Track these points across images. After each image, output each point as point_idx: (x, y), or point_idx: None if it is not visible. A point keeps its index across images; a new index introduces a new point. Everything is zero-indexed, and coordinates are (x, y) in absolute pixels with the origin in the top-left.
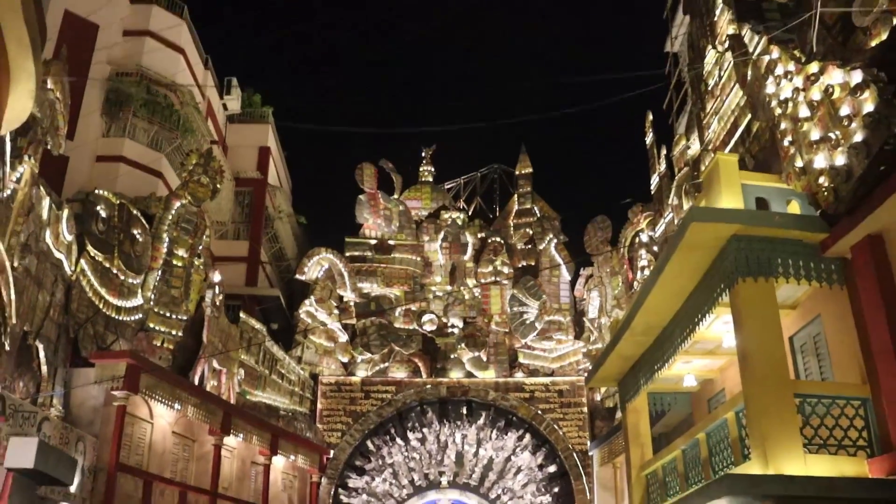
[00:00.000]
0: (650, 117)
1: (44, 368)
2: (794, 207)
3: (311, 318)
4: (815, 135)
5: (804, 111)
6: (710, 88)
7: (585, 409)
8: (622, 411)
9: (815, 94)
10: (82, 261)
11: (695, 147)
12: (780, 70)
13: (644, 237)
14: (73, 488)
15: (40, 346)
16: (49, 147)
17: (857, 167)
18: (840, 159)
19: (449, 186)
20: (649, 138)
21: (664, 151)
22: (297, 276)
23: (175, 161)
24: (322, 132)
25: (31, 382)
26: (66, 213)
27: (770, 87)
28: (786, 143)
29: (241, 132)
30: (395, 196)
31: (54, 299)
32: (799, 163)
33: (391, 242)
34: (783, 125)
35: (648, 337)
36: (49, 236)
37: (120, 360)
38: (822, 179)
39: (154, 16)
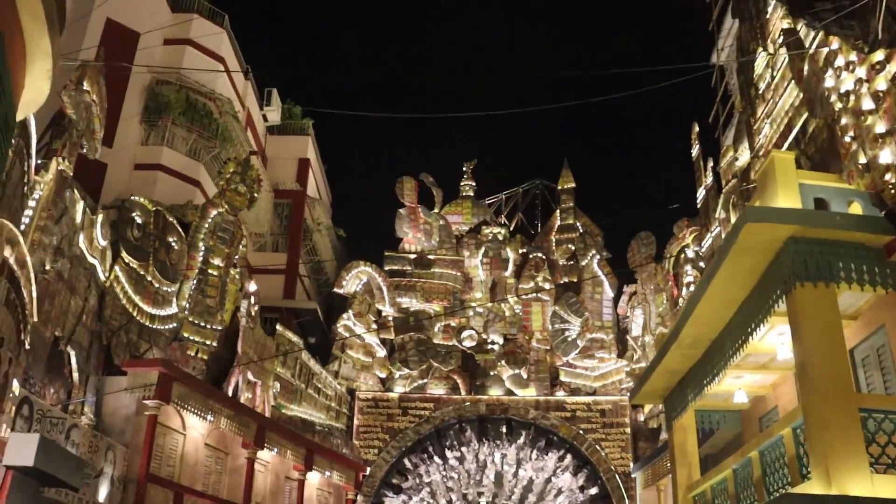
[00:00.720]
0: (696, 129)
1: (75, 375)
2: (856, 208)
3: (349, 332)
4: (881, 128)
5: (868, 103)
6: (760, 92)
7: (628, 430)
8: (668, 430)
9: (881, 83)
10: (116, 267)
11: (743, 158)
12: (840, 61)
13: (690, 253)
14: (101, 497)
15: (72, 353)
16: (85, 150)
17: None
18: None
19: (490, 202)
20: (695, 150)
21: (710, 164)
22: (336, 290)
23: (213, 170)
24: (362, 146)
25: (63, 389)
26: (100, 218)
27: (829, 81)
28: (847, 139)
29: (281, 144)
30: (436, 210)
31: (87, 305)
32: (862, 159)
33: (431, 257)
34: (844, 120)
35: (697, 350)
36: (83, 241)
37: (152, 369)
38: (888, 176)
39: (195, 25)
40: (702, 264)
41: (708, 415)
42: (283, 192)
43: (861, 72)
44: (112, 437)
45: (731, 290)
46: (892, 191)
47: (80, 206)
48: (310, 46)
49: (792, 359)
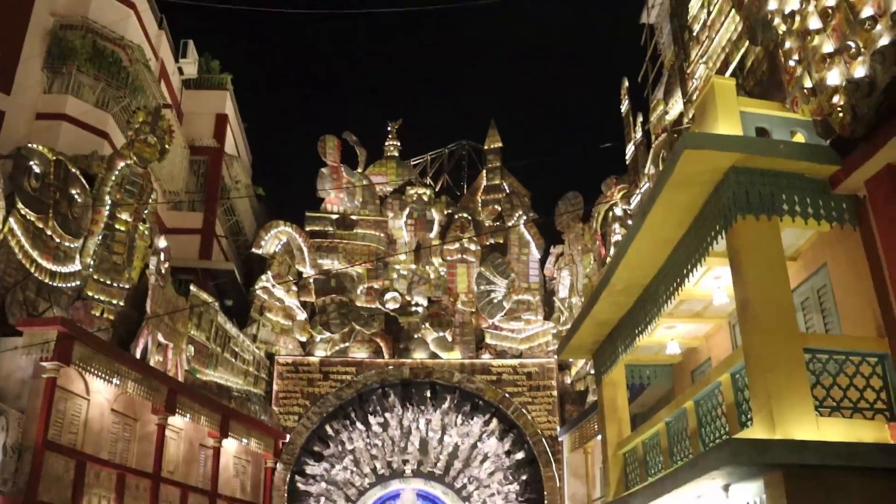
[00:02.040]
0: (626, 84)
1: None
2: (800, 139)
3: (268, 295)
4: (829, 47)
5: (815, 22)
6: (695, 34)
7: (555, 393)
8: (597, 385)
9: None
10: (11, 219)
11: (674, 111)
12: None
13: (618, 211)
14: None
15: None
16: None
17: (882, 76)
18: (860, 70)
19: (415, 163)
20: (624, 105)
21: (640, 120)
22: (254, 250)
23: (122, 122)
24: (284, 104)
25: None
26: None
27: (772, 3)
28: (791, 63)
29: (198, 98)
30: (359, 170)
31: None
32: (808, 83)
33: (354, 218)
34: (788, 44)
35: (629, 297)
36: None
37: (50, 328)
38: (836, 98)
39: None
40: (630, 222)
41: (638, 370)
42: (199, 148)
43: None
44: (7, 402)
45: (667, 228)
46: (840, 114)
47: None
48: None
49: (727, 306)
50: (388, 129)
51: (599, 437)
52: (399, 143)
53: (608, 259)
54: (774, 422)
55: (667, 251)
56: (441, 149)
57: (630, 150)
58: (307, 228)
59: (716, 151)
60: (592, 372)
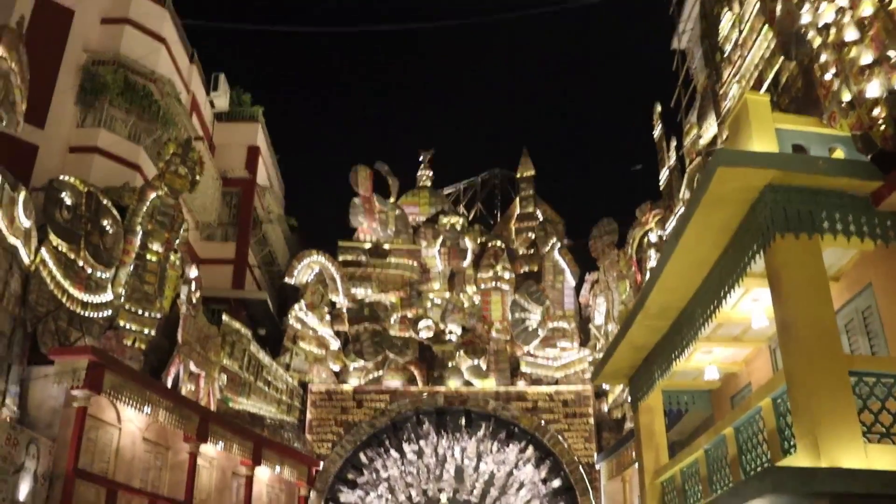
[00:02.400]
0: (658, 108)
1: None
2: (839, 154)
3: (301, 324)
4: (867, 58)
5: (851, 34)
6: (726, 55)
7: (592, 420)
8: (633, 411)
9: (867, 8)
10: (43, 250)
11: (707, 135)
12: None
13: (653, 237)
14: (21, 495)
15: None
16: (4, 124)
17: None
18: None
19: (448, 192)
20: (657, 131)
21: (674, 143)
22: (286, 280)
23: (154, 155)
24: (315, 135)
25: None
26: (22, 195)
27: (806, 17)
28: (827, 77)
29: (230, 131)
30: (392, 200)
31: (8, 289)
32: (846, 97)
33: (387, 247)
34: (823, 57)
35: (664, 321)
36: (0, 219)
37: (81, 357)
38: (877, 111)
39: (134, 3)
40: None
41: (676, 395)
42: (231, 180)
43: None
44: (38, 431)
45: (702, 249)
46: (882, 127)
47: None
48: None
49: (766, 329)
50: (420, 158)
51: (637, 464)
52: (431, 173)
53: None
54: (819, 449)
55: (702, 273)
56: (473, 178)
57: (664, 175)
58: (340, 258)
59: (751, 169)
60: (629, 399)
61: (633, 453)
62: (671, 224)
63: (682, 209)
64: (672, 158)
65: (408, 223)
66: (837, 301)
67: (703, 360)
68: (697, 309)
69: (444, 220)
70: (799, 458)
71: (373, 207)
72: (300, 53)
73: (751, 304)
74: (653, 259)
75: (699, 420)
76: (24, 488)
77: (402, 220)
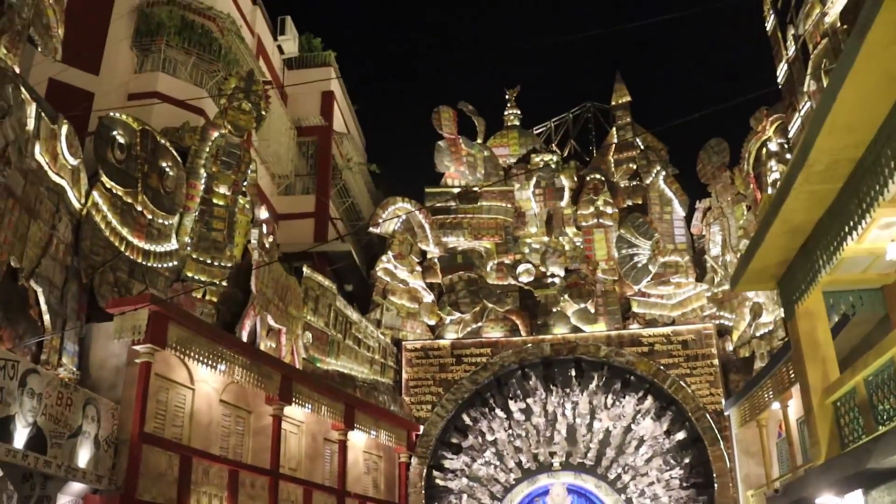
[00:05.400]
0: None
1: (46, 318)
2: None
3: (390, 277)
4: None
5: None
6: None
7: (716, 362)
8: (788, 319)
9: None
10: (95, 193)
11: (836, 9)
12: None
13: (773, 146)
14: (81, 461)
15: (39, 290)
16: (38, 47)
17: None
18: None
19: (538, 131)
20: (770, 22)
21: (791, 33)
22: (371, 230)
23: (219, 100)
24: (389, 80)
25: (28, 334)
26: (65, 128)
27: None
28: None
29: (301, 77)
30: (479, 141)
31: (57, 234)
32: None
33: (477, 190)
34: None
35: (833, 183)
36: (40, 152)
37: (141, 307)
38: None
39: None
40: (789, 156)
41: (837, 297)
42: (306, 129)
43: None
44: (102, 393)
45: (890, 65)
46: None
47: (31, 108)
48: None
49: None
50: (507, 96)
51: (776, 405)
52: (519, 112)
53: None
54: None
55: (891, 99)
56: (564, 113)
57: (782, 71)
58: (428, 205)
59: None
60: (782, 307)
61: (768, 395)
62: (795, 125)
63: (810, 106)
64: (791, 49)
65: (498, 165)
66: None
67: (881, 239)
68: (885, 151)
69: (537, 158)
70: None
71: (459, 150)
72: None
73: None
74: (774, 171)
75: (868, 326)
76: (83, 454)
77: (492, 161)
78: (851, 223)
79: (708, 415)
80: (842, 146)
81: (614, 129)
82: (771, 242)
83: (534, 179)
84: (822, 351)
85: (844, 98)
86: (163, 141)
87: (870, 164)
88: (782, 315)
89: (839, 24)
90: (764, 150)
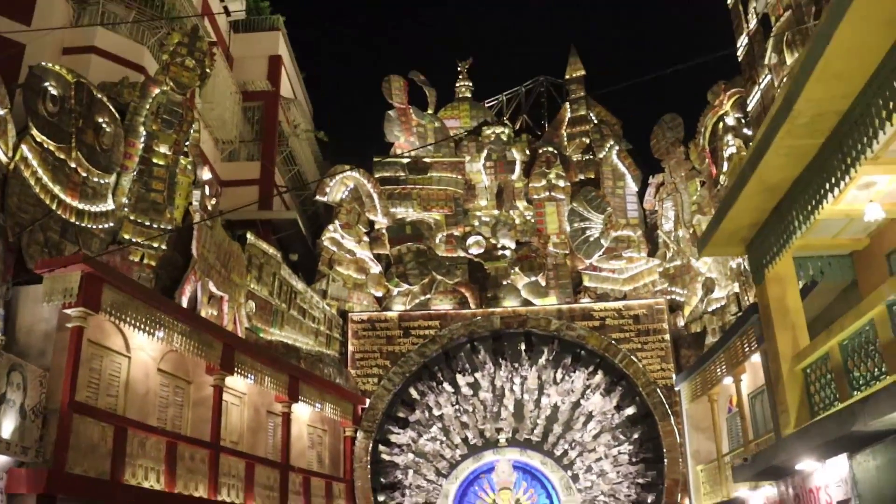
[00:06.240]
0: None
1: None
2: None
3: (337, 246)
4: None
5: None
6: None
7: (667, 337)
8: (757, 283)
9: None
10: (24, 146)
11: None
12: None
13: (730, 120)
14: (5, 432)
15: None
16: None
17: None
18: None
19: (490, 104)
20: None
21: (753, 6)
22: (318, 198)
23: (161, 57)
24: (341, 46)
25: None
26: None
27: None
28: None
29: (248, 41)
30: (429, 112)
31: None
32: None
33: (427, 160)
34: None
35: (815, 138)
36: None
37: (73, 268)
38: None
39: None
40: (746, 131)
41: (805, 262)
42: (252, 93)
43: None
44: (30, 360)
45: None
46: None
47: None
48: None
49: None
50: (458, 68)
51: (728, 380)
52: (471, 84)
53: (721, 178)
54: None
55: (890, 40)
56: (517, 87)
57: (742, 44)
58: (377, 175)
59: None
60: (750, 271)
61: (721, 369)
62: (754, 99)
63: (771, 79)
64: (752, 23)
65: (448, 136)
66: None
67: (858, 201)
68: (875, 101)
69: (488, 130)
70: None
71: (409, 120)
72: None
73: None
74: (731, 145)
75: (834, 292)
76: (7, 424)
77: (443, 132)
78: (833, 181)
79: (658, 390)
80: (830, 96)
81: (567, 103)
82: (744, 203)
83: (485, 152)
84: (792, 317)
85: (838, 42)
86: (99, 95)
87: (857, 116)
88: (735, 290)
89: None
90: (721, 124)
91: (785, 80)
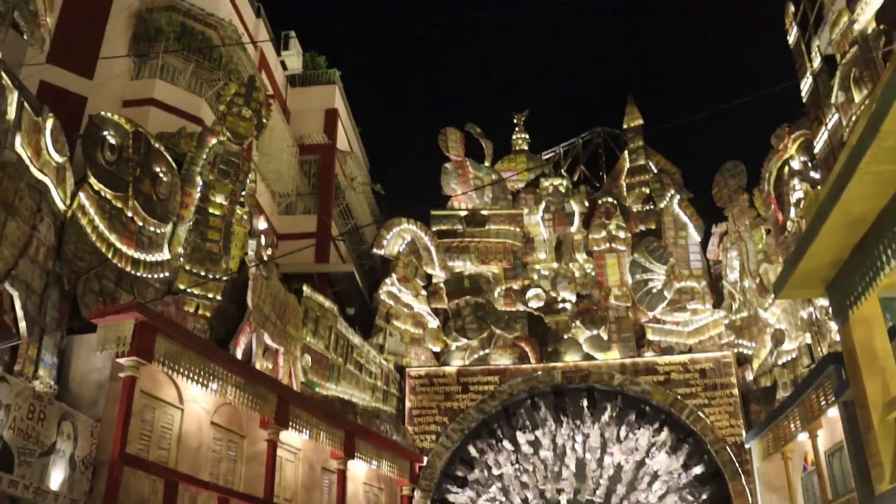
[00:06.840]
0: (791, 8)
1: (21, 325)
2: None
3: (394, 300)
4: None
5: None
6: None
7: (736, 391)
8: (842, 326)
9: None
10: (81, 194)
11: (865, 16)
12: None
13: (795, 164)
14: (54, 483)
15: (14, 294)
16: (24, 34)
17: None
18: None
19: (546, 156)
20: (792, 35)
21: (817, 45)
22: (375, 251)
23: (218, 108)
24: (397, 101)
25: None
26: (50, 122)
27: None
28: None
29: (305, 95)
30: (486, 164)
31: (37, 234)
32: None
33: (485, 213)
34: None
35: None
36: (20, 144)
37: (126, 316)
38: None
39: None
40: (814, 174)
41: (892, 304)
42: (309, 147)
43: None
44: (82, 410)
45: None
46: None
47: (13, 96)
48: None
49: None
50: (514, 121)
51: (803, 436)
52: (527, 136)
53: (788, 224)
54: None
55: None
56: (573, 139)
57: (806, 85)
58: (434, 228)
59: None
60: (833, 313)
61: (795, 425)
62: (821, 139)
63: (836, 117)
64: (816, 61)
65: (506, 188)
66: None
67: None
68: None
69: (546, 182)
70: None
71: (466, 172)
72: (374, 9)
73: None
74: (797, 190)
75: None
76: (56, 475)
77: (500, 185)
78: None
79: (728, 447)
80: None
81: (626, 152)
82: (825, 239)
83: (543, 204)
84: (881, 362)
85: None
86: (157, 145)
87: None
88: (807, 342)
89: (872, 28)
90: (786, 168)
91: (867, 101)
